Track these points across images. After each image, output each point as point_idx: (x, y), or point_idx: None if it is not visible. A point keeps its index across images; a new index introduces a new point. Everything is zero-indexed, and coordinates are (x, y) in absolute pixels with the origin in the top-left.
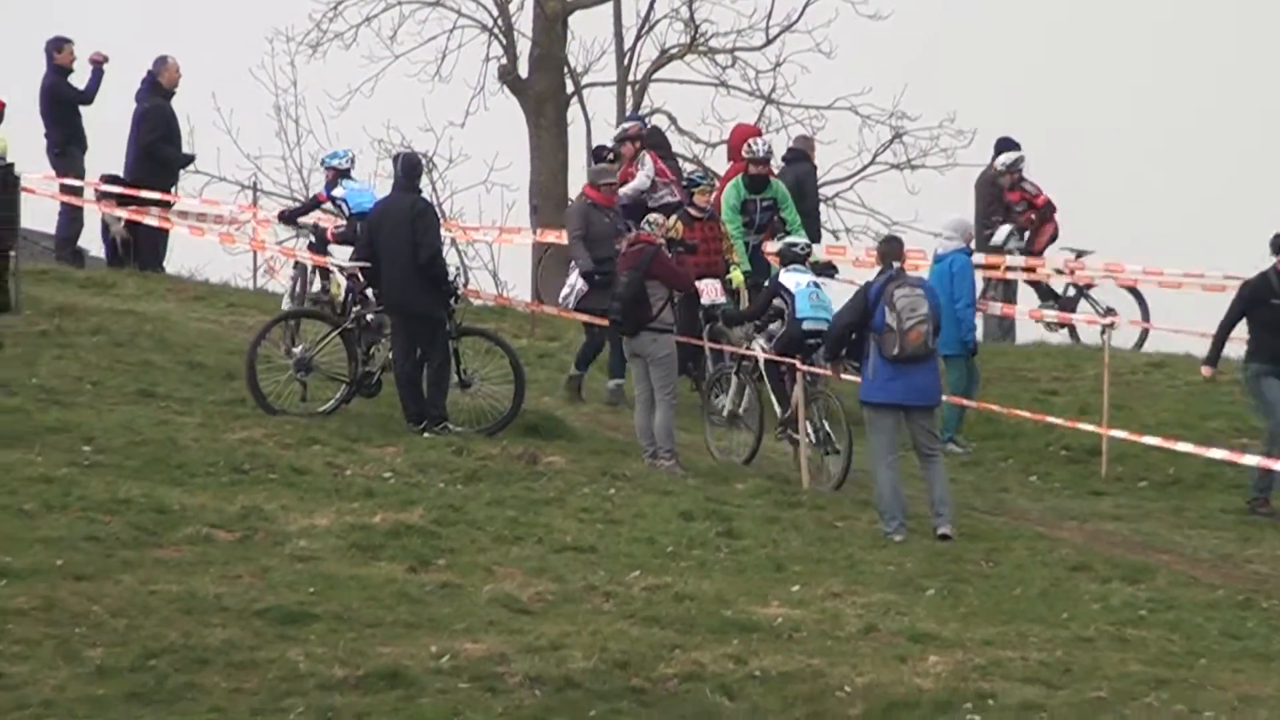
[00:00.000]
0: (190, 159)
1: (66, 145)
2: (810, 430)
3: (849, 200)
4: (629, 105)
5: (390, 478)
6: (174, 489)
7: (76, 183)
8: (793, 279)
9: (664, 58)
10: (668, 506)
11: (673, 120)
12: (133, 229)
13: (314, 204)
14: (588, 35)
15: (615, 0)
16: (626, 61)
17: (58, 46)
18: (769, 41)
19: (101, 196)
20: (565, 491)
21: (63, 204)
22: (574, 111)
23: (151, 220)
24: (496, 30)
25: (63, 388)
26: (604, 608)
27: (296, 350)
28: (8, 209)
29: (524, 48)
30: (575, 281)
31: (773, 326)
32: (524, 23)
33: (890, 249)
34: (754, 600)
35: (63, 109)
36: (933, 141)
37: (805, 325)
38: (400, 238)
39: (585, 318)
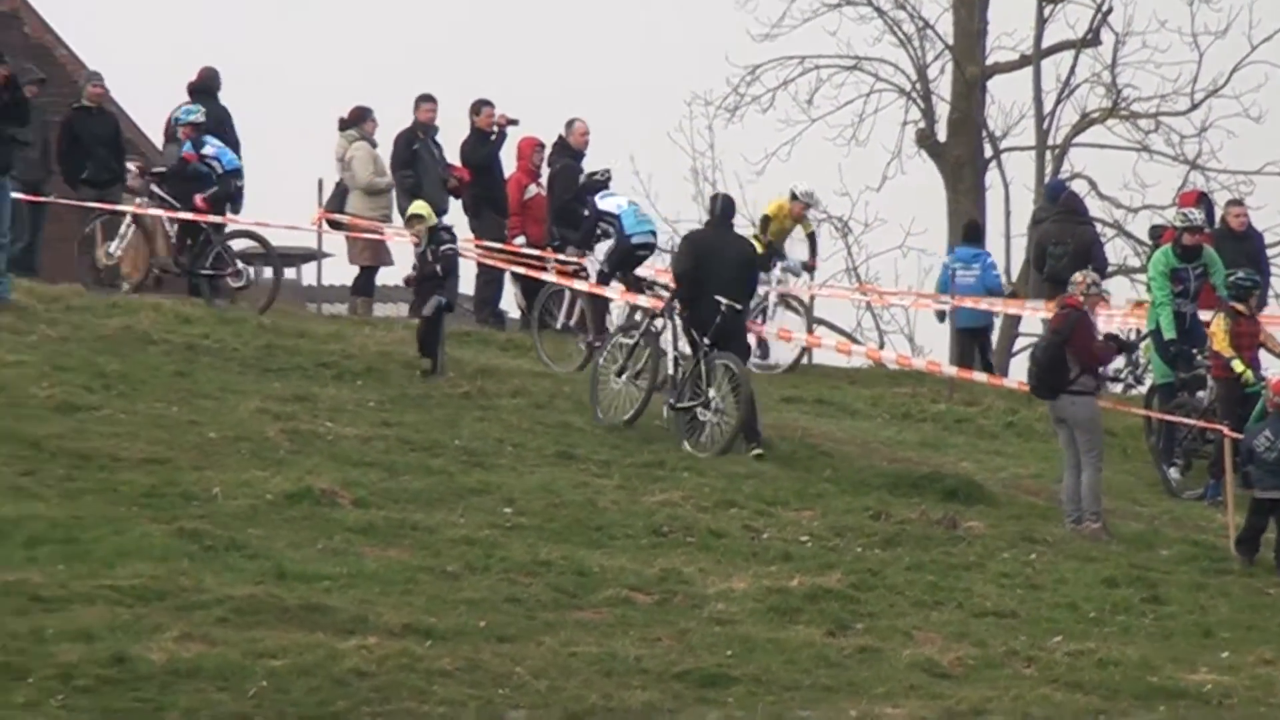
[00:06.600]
0: None
1: (480, 207)
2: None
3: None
4: (1048, 170)
5: (807, 541)
6: (593, 551)
7: (493, 245)
8: (612, 202)
9: (1084, 122)
10: (1090, 572)
11: (1093, 185)
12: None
13: (184, 166)
14: (1006, 99)
15: (1035, 65)
16: (1046, 125)
17: (475, 109)
18: (1194, 106)
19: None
20: (985, 556)
21: (480, 265)
22: (992, 176)
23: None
24: (915, 94)
25: (484, 449)
26: (1025, 673)
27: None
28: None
29: (942, 111)
30: None
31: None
32: (943, 86)
33: None
34: (1181, 667)
35: (476, 170)
36: None
37: (634, 240)
38: (740, 281)
39: None
